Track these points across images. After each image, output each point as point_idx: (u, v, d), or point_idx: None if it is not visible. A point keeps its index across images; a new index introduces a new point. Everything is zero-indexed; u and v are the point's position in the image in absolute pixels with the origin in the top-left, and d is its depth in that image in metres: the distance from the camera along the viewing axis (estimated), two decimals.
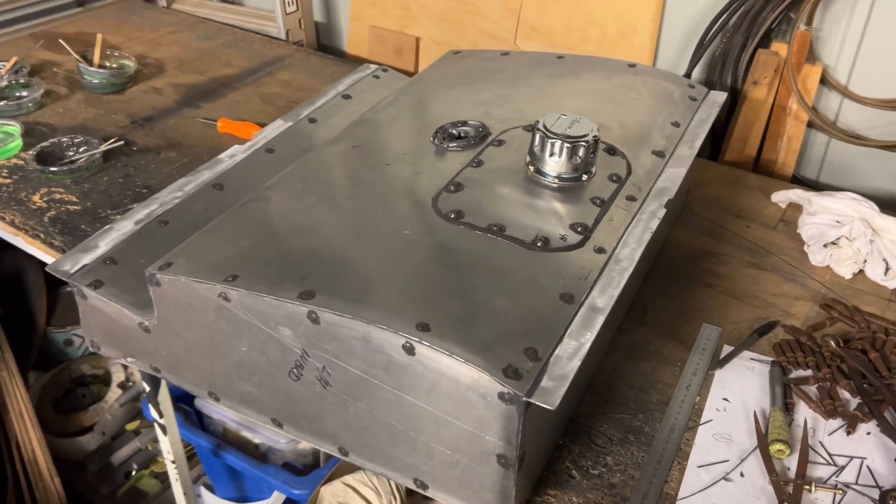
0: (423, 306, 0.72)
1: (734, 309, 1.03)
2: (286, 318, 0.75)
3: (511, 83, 1.13)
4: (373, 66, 1.36)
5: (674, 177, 0.95)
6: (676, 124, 1.05)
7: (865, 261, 1.05)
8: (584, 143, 0.87)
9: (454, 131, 1.00)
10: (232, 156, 1.11)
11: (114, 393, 1.71)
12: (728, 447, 0.84)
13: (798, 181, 1.46)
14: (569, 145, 0.87)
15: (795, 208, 1.21)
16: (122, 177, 1.28)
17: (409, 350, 0.69)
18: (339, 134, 1.06)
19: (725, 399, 0.89)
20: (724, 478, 0.81)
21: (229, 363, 0.83)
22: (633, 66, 1.17)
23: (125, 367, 1.76)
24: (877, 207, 1.09)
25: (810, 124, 1.42)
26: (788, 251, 1.13)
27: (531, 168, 0.91)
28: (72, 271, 0.90)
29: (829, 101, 1.42)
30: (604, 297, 0.76)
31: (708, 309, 1.02)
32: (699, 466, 0.82)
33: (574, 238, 0.82)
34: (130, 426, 1.71)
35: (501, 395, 0.66)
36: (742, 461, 0.82)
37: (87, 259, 0.91)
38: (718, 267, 1.10)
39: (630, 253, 0.82)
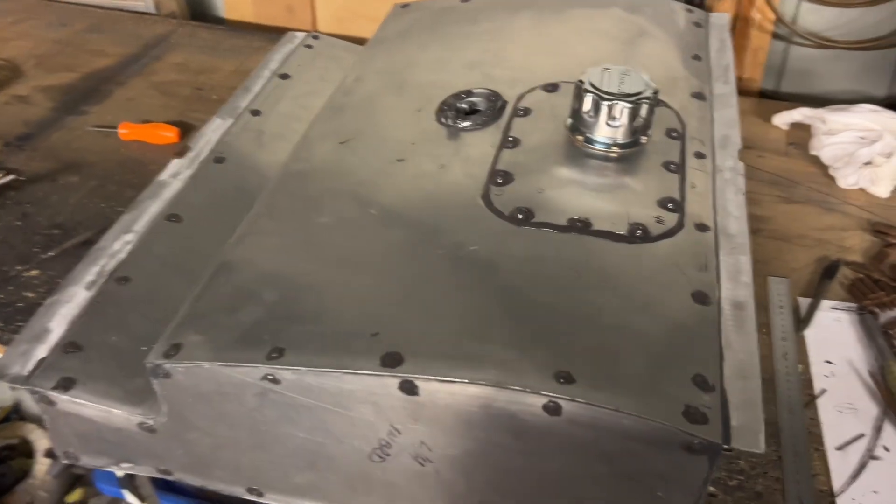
0: (549, 347, 0.56)
1: (787, 254, 0.93)
2: (367, 393, 0.57)
3: (493, 35, 0.96)
4: (300, 35, 1.14)
5: (728, 121, 0.82)
6: (698, 58, 0.92)
7: None
8: (646, 101, 0.72)
9: (462, 105, 0.83)
10: (175, 174, 0.88)
11: (42, 465, 1.43)
12: (856, 418, 0.75)
13: (766, 95, 1.39)
14: (629, 106, 0.72)
15: (800, 128, 1.12)
16: (18, 218, 1.02)
17: (553, 410, 0.54)
18: (312, 128, 0.86)
19: (829, 362, 0.80)
20: (870, 457, 0.71)
21: (279, 454, 0.64)
22: None
23: (47, 430, 1.48)
24: None
25: (774, 35, 1.34)
26: (812, 177, 1.04)
27: (579, 138, 0.75)
28: (25, 373, 0.67)
29: (786, 6, 1.34)
30: (739, 288, 0.63)
31: (763, 259, 0.92)
32: (837, 448, 0.72)
33: (671, 218, 0.68)
34: (71, 498, 1.45)
35: (688, 447, 0.52)
36: (879, 432, 0.73)
37: (41, 350, 0.68)
38: (752, 208, 1.00)
39: (737, 225, 0.69)
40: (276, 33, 1.51)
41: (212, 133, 0.94)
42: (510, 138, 0.77)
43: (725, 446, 0.52)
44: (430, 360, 0.56)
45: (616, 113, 0.72)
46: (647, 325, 0.59)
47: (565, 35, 0.95)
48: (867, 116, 1.01)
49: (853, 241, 0.94)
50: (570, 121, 0.77)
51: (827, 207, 0.99)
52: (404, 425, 0.58)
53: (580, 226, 0.66)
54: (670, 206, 0.69)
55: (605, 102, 0.72)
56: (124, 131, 1.16)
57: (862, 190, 1.00)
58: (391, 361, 0.56)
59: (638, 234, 0.66)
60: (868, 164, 0.98)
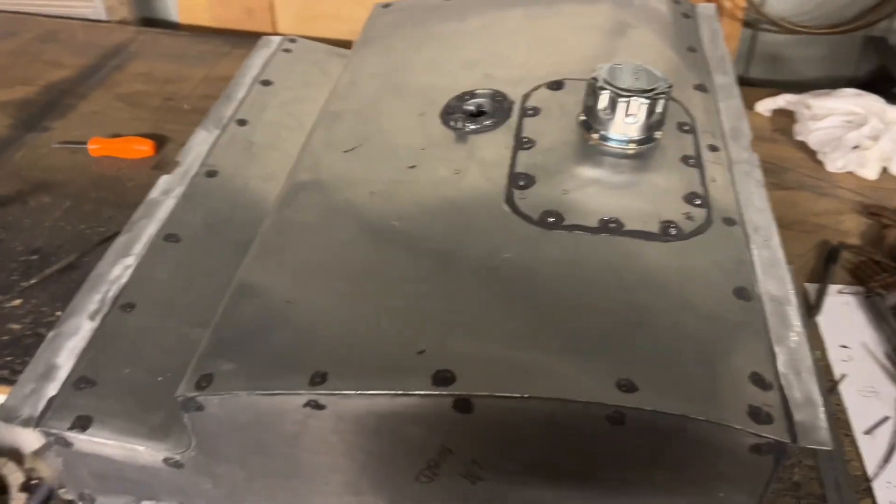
0: (606, 354, 0.55)
1: (788, 241, 0.93)
2: (418, 414, 0.55)
3: (486, 32, 0.94)
4: (276, 39, 1.10)
5: (735, 112, 0.82)
6: (693, 49, 0.92)
7: (890, 157, 1.00)
8: (663, 96, 0.72)
9: (468, 108, 0.81)
10: (167, 191, 0.84)
11: (17, 500, 1.36)
12: (879, 400, 0.76)
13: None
14: (646, 101, 0.71)
15: (782, 115, 1.14)
16: None
17: (617, 420, 0.52)
18: (312, 136, 0.83)
19: (844, 346, 0.81)
20: None
21: (318, 481, 0.62)
22: None
23: (20, 463, 1.41)
24: (882, 99, 1.04)
25: (744, 22, 1.35)
26: (801, 162, 1.06)
27: (594, 136, 0.74)
28: (37, 414, 0.63)
29: None
30: (775, 283, 0.63)
31: None
32: (865, 433, 0.73)
33: (699, 214, 0.67)
34: None
35: (756, 448, 0.52)
36: None
37: (51, 388, 0.64)
38: None
39: (763, 218, 0.69)
40: (238, 37, 1.47)
41: (199, 146, 0.90)
42: (524, 139, 0.75)
43: (793, 444, 0.51)
44: (484, 375, 0.54)
45: (633, 109, 0.71)
46: (696, 325, 0.58)
47: (559, 31, 0.93)
48: (851, 101, 1.03)
49: (849, 225, 0.96)
50: (583, 118, 0.76)
51: (819, 192, 1.00)
52: (456, 444, 0.56)
53: (613, 227, 0.65)
54: (697, 201, 0.68)
55: (622, 99, 0.71)
56: (94, 147, 1.10)
57: (850, 173, 1.02)
58: (443, 380, 0.54)
59: (671, 233, 0.65)
60: (856, 147, 0.99)
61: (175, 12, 1.71)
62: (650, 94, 0.71)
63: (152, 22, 1.71)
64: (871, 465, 0.70)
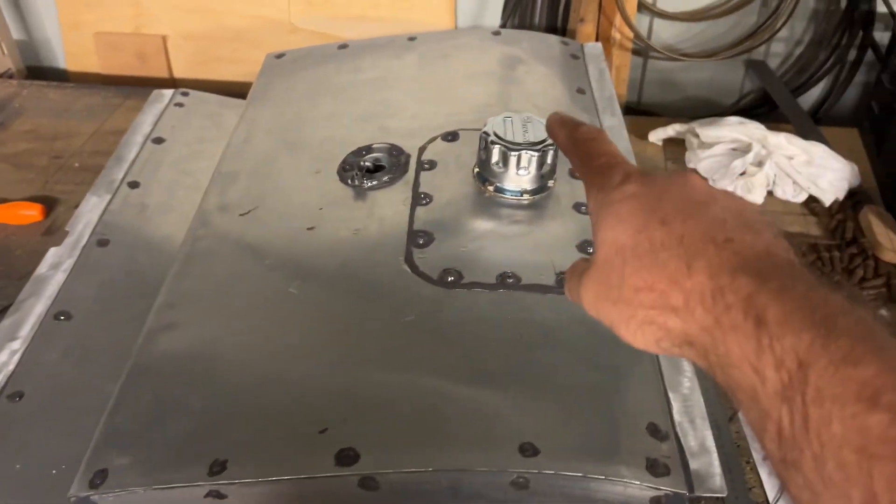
0: (509, 419, 0.55)
1: None
2: (325, 494, 0.54)
3: (381, 83, 0.94)
4: (167, 92, 1.08)
5: (624, 153, 0.85)
6: (582, 91, 0.94)
7: (774, 182, 1.05)
8: (551, 147, 0.73)
9: (365, 163, 0.81)
10: (56, 265, 0.81)
11: None
12: None
13: (631, 110, 1.45)
14: (536, 153, 0.72)
15: (673, 143, 1.18)
16: None
17: (522, 485, 0.53)
18: (206, 199, 0.81)
19: None
20: None
21: None
22: (497, 33, 1.03)
23: None
24: (763, 126, 1.09)
25: (633, 51, 1.40)
26: None
27: (489, 188, 0.75)
28: None
29: (641, 23, 1.40)
30: None
31: None
32: (765, 459, 0.76)
33: None
34: None
35: (656, 500, 0.53)
36: None
37: None
38: None
39: None
40: (129, 86, 1.43)
41: (89, 213, 0.87)
42: (422, 194, 0.76)
43: (691, 495, 0.53)
44: (388, 451, 0.54)
45: (525, 162, 0.72)
46: (595, 379, 0.59)
47: (452, 79, 0.94)
48: (736, 129, 1.07)
49: None
50: (476, 170, 0.77)
51: None
52: None
53: (510, 282, 0.66)
54: (590, 249, 0.70)
55: (513, 153, 0.72)
56: None
57: None
58: (346, 459, 0.53)
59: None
60: (743, 173, 1.04)
61: (63, 59, 1.65)
62: (540, 146, 0.73)
63: (39, 71, 1.65)
64: (771, 491, 0.73)
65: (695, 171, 0.35)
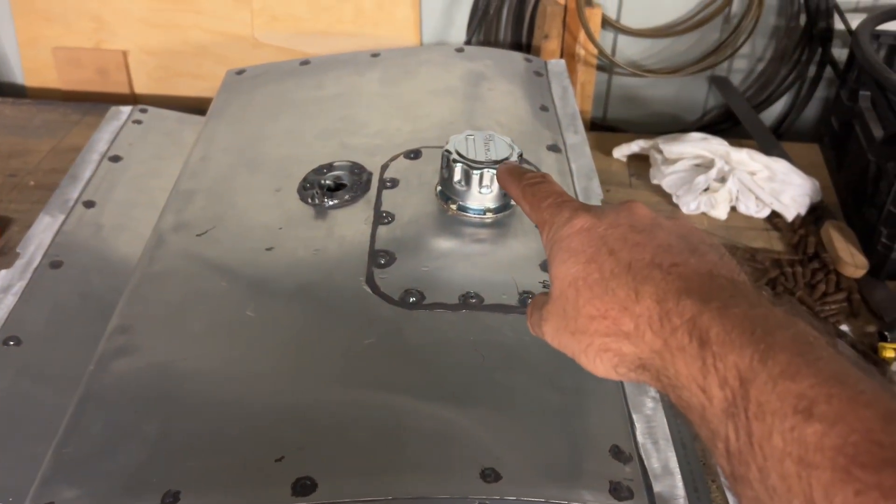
0: (470, 443, 0.54)
1: None
2: None
3: (343, 100, 0.93)
4: (125, 109, 1.06)
5: (586, 171, 0.85)
6: (545, 108, 0.94)
7: (737, 198, 1.06)
8: None
9: (326, 182, 0.79)
10: (6, 288, 0.79)
11: None
12: None
13: (596, 126, 1.46)
14: None
15: (638, 159, 1.18)
16: None
17: None
18: (162, 220, 0.79)
19: None
20: None
21: None
22: (460, 50, 1.03)
23: None
24: (726, 142, 1.10)
25: (598, 67, 1.40)
26: (658, 206, 1.10)
27: (452, 207, 0.74)
28: None
29: (604, 40, 1.41)
30: None
31: None
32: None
33: None
34: None
35: None
36: None
37: None
38: None
39: None
40: (90, 102, 1.41)
41: (42, 234, 0.85)
42: (384, 213, 0.75)
43: None
44: (346, 479, 0.52)
45: (487, 181, 0.72)
46: (557, 401, 0.58)
47: (415, 95, 0.94)
48: (698, 145, 1.08)
49: None
50: (439, 188, 0.76)
51: None
52: None
53: (473, 302, 0.65)
54: None
55: (475, 171, 0.71)
56: None
57: (704, 214, 1.07)
58: (303, 488, 0.52)
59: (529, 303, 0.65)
60: (706, 189, 1.04)
61: (20, 75, 1.62)
62: (502, 164, 0.72)
63: None
64: None
65: (637, 202, 0.37)
